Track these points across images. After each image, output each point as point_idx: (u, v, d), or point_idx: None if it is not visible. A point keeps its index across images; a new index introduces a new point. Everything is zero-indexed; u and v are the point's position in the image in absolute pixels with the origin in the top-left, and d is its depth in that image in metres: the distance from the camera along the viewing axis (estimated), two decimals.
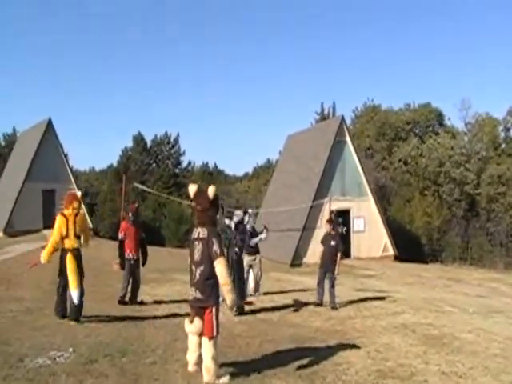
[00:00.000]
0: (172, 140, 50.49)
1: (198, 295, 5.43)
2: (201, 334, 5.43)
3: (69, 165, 34.45)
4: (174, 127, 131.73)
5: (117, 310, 9.67)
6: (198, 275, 5.44)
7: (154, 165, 49.68)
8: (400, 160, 39.75)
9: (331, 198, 25.04)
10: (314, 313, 10.32)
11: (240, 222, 10.66)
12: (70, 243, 8.19)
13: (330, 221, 11.98)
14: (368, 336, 8.17)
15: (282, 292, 13.53)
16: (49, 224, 30.30)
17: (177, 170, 50.36)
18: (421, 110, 44.46)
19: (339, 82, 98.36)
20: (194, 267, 5.49)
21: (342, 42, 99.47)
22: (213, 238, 5.42)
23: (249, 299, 11.07)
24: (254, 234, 12.32)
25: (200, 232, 5.52)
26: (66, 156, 34.47)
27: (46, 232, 28.84)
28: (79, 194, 9.02)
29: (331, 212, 24.02)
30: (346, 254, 26.48)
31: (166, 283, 14.37)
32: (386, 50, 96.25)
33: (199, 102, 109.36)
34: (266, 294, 12.57)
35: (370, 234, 27.44)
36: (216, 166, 57.39)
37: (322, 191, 26.00)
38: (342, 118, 28.72)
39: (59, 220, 8.23)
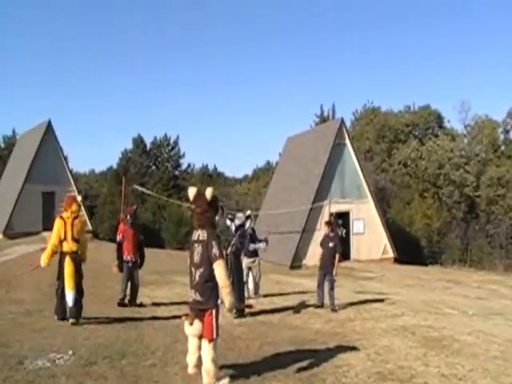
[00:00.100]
0: (172, 142, 50.50)
1: (198, 297, 5.43)
2: (201, 337, 5.43)
3: (68, 167, 34.43)
4: (174, 129, 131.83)
5: (116, 312, 9.66)
6: (197, 277, 5.44)
7: (153, 167, 49.69)
8: (400, 162, 39.79)
9: (331, 200, 25.04)
10: (313, 315, 10.31)
11: (241, 226, 10.67)
12: (68, 246, 8.22)
13: (328, 223, 12.00)
14: (368, 338, 8.17)
15: (281, 294, 13.52)
16: (48, 226, 30.20)
17: (176, 172, 50.35)
18: (420, 113, 44.53)
19: (339, 84, 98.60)
20: (193, 269, 5.50)
21: (341, 44, 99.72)
22: (212, 240, 5.42)
23: (248, 302, 11.07)
24: (254, 236, 12.32)
25: (200, 234, 5.53)
26: (65, 158, 34.44)
27: (45, 234, 28.81)
28: (79, 197, 9.02)
29: (331, 214, 24.04)
30: (346, 256, 26.53)
31: (165, 285, 14.37)
32: (385, 52, 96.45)
33: (199, 104, 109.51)
34: (265, 296, 12.57)
35: (370, 237, 27.44)
36: (216, 168, 57.49)
37: (321, 193, 26.01)
38: (342, 121, 28.75)
39: (57, 223, 8.28)
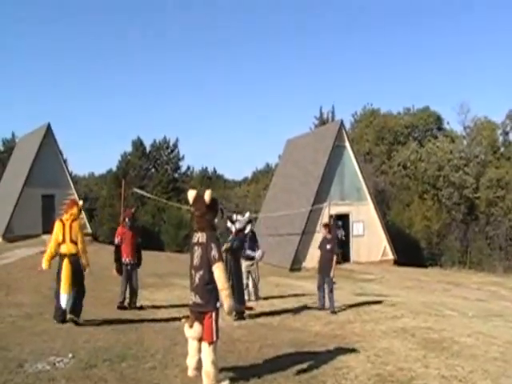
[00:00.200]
0: (171, 145, 50.52)
1: (198, 300, 5.43)
2: (200, 339, 5.43)
3: (68, 170, 34.44)
4: (173, 132, 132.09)
5: (116, 314, 9.67)
6: (197, 280, 5.45)
7: (153, 170, 49.69)
8: (399, 164, 39.81)
9: (330, 202, 25.04)
10: (313, 317, 10.32)
11: (241, 230, 10.70)
12: (66, 248, 8.29)
13: (326, 225, 12.08)
14: (367, 340, 8.17)
15: (281, 297, 13.52)
16: (48, 229, 30.22)
17: (176, 175, 50.35)
18: (420, 114, 44.57)
19: (338, 86, 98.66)
20: (193, 272, 5.50)
21: (341, 45, 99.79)
22: (212, 242, 5.43)
23: (248, 304, 11.08)
24: (254, 238, 12.38)
25: (199, 237, 5.53)
26: (65, 161, 34.48)
27: (45, 237, 28.80)
28: (81, 202, 9.09)
29: (330, 216, 24.06)
30: (346, 258, 26.56)
31: (164, 288, 14.37)
32: (384, 54, 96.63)
33: (198, 106, 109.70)
34: (265, 298, 12.57)
35: (370, 239, 27.44)
36: (215, 171, 57.44)
37: (321, 196, 26.02)
38: (341, 123, 28.76)
39: (57, 225, 8.40)
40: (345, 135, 28.09)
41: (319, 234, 12.36)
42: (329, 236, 11.49)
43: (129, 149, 50.01)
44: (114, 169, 50.39)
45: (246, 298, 11.36)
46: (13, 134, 49.61)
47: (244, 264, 11.61)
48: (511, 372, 6.56)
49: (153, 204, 42.66)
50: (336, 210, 26.01)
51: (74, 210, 8.50)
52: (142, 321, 9.16)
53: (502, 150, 39.99)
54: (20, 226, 30.22)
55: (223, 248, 9.93)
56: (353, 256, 27.05)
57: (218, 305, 5.44)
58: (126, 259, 10.52)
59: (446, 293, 17.02)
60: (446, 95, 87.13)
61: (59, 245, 8.31)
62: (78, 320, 8.46)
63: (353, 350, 7.27)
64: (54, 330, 7.98)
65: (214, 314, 5.41)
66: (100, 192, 48.88)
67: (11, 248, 25.15)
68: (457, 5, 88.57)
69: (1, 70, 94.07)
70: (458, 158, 36.23)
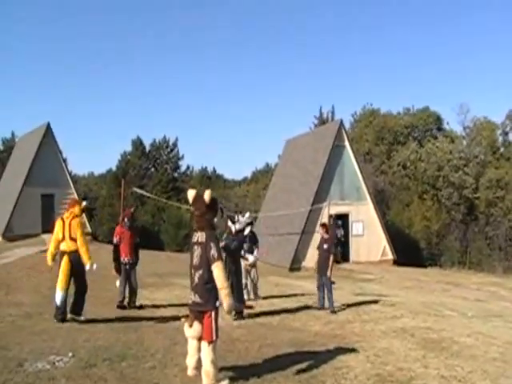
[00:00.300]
0: (171, 144, 50.52)
1: (197, 299, 5.44)
2: (200, 338, 5.43)
3: (68, 169, 34.43)
4: (173, 131, 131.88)
5: (116, 314, 9.67)
6: (196, 279, 5.46)
7: (152, 169, 49.69)
8: (399, 164, 39.82)
9: (330, 202, 25.04)
10: (313, 317, 10.32)
11: (241, 231, 10.72)
12: (66, 245, 8.44)
13: (323, 225, 12.11)
14: (367, 340, 8.18)
15: (281, 296, 13.53)
16: (48, 228, 30.28)
17: (175, 175, 50.36)
18: (419, 115, 44.58)
19: (338, 86, 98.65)
20: (193, 271, 5.51)
21: (341, 46, 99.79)
22: (211, 242, 5.43)
23: (248, 303, 11.09)
24: (254, 239, 12.45)
25: (199, 236, 5.54)
26: (64, 161, 34.46)
27: (45, 236, 28.82)
28: (84, 203, 9.18)
29: (330, 216, 24.06)
30: (345, 258, 26.58)
31: (164, 287, 14.37)
32: (384, 55, 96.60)
33: (198, 106, 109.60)
34: (265, 298, 12.59)
35: (369, 238, 27.45)
36: (215, 171, 57.50)
37: (320, 195, 26.02)
38: (341, 123, 28.76)
39: (57, 223, 8.59)
40: (344, 135, 28.09)
41: (319, 234, 12.37)
42: (326, 236, 11.55)
43: (128, 148, 50.12)
44: (114, 168, 50.44)
45: (246, 297, 11.38)
46: (12, 134, 49.70)
47: (242, 264, 11.64)
48: (510, 372, 6.56)
49: (152, 203, 42.66)
50: (336, 209, 26.01)
51: (76, 209, 8.66)
52: (141, 320, 9.17)
53: (502, 150, 40.01)
54: (20, 225, 30.22)
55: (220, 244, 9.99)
56: (352, 256, 27.06)
57: (217, 304, 5.45)
58: (124, 259, 10.56)
59: (445, 293, 17.02)
60: (446, 95, 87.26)
61: (60, 242, 8.45)
62: (79, 318, 8.51)
63: (352, 350, 7.28)
64: (54, 329, 7.98)
65: (213, 314, 5.41)
66: (100, 191, 48.88)
67: (11, 247, 25.14)
68: (456, 5, 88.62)
69: (1, 70, 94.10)
70: (458, 158, 36.24)
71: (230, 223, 10.84)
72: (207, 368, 5.30)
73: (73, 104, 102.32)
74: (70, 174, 34.65)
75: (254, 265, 12.48)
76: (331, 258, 11.23)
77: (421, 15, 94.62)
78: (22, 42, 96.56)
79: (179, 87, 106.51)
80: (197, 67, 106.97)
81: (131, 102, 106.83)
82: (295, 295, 13.89)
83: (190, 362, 5.60)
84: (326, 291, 11.20)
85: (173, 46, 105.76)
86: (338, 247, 25.92)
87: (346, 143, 27.96)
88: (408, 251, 30.04)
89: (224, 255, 8.31)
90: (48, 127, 32.52)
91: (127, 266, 10.58)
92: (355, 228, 27.42)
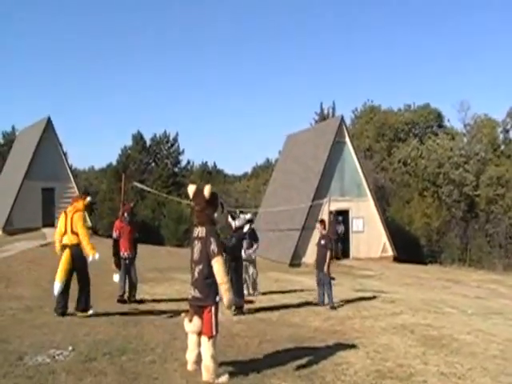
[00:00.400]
0: (171, 139, 50.45)
1: (197, 294, 5.44)
2: (200, 333, 5.44)
3: (68, 163, 34.39)
4: (173, 126, 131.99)
5: (116, 308, 9.69)
6: (196, 274, 5.46)
7: (153, 164, 49.64)
8: (399, 161, 39.75)
9: (330, 198, 25.02)
10: (312, 313, 10.33)
11: (240, 228, 10.73)
12: (68, 239, 8.54)
13: (321, 221, 12.19)
14: (367, 336, 8.19)
15: (281, 292, 13.54)
16: (48, 222, 30.40)
17: (176, 169, 50.29)
18: (420, 111, 44.50)
19: (339, 82, 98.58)
20: (193, 266, 5.52)
21: (342, 42, 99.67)
22: (211, 237, 5.43)
23: (248, 298, 11.11)
24: (253, 236, 12.49)
25: (199, 231, 5.55)
26: (65, 154, 34.41)
27: (45, 230, 28.87)
28: (88, 198, 9.23)
29: (330, 212, 24.05)
30: (345, 254, 26.59)
31: (165, 282, 14.38)
32: (385, 51, 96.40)
33: (199, 101, 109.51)
34: (264, 293, 12.60)
35: (369, 235, 27.44)
36: (215, 166, 57.45)
37: (321, 191, 26.00)
38: (342, 119, 28.70)
39: (61, 217, 8.74)
40: (345, 131, 28.03)
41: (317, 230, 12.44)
42: (324, 232, 11.63)
43: (129, 143, 50.04)
44: (114, 163, 50.40)
45: (246, 292, 11.40)
46: (13, 128, 49.63)
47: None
48: (510, 370, 6.57)
49: (153, 198, 42.64)
50: (336, 205, 25.99)
51: (79, 204, 8.77)
52: (141, 314, 9.19)
53: (503, 147, 39.91)
54: (20, 219, 30.23)
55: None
56: (352, 252, 27.06)
57: (217, 299, 5.45)
58: (124, 253, 10.63)
59: (445, 290, 17.03)
60: (447, 92, 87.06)
61: (62, 236, 8.58)
62: (87, 314, 8.59)
63: (352, 346, 7.29)
64: (54, 322, 7.99)
65: (213, 308, 5.41)
66: (100, 186, 48.86)
67: (11, 241, 25.15)
68: (457, 3, 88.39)
69: (2, 65, 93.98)
70: (458, 155, 36.16)
71: (230, 219, 10.86)
72: (207, 363, 5.30)
73: (73, 99, 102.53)
74: (70, 168, 34.63)
75: (252, 261, 12.49)
76: (328, 253, 11.27)
77: (422, 12, 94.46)
78: (22, 38, 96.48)
79: (180, 83, 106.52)
80: (197, 63, 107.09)
81: (132, 96, 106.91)
82: (295, 291, 13.90)
83: (190, 356, 5.61)
84: (324, 287, 11.23)
85: (173, 42, 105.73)
86: (339, 243, 25.96)
87: (347, 139, 27.91)
88: (408, 248, 30.02)
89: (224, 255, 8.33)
90: (49, 121, 32.49)
91: (127, 261, 10.65)
92: (355, 224, 27.41)
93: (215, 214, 5.67)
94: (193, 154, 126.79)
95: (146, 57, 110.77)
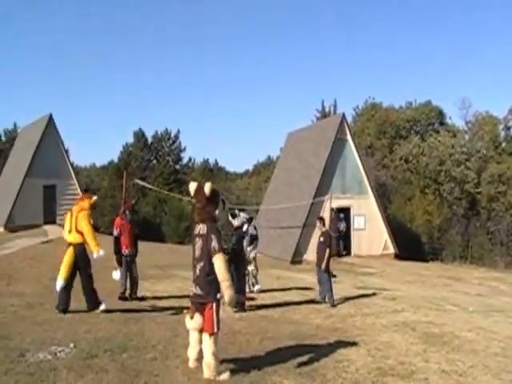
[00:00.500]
0: (173, 136, 50.42)
1: (198, 291, 5.45)
2: (201, 330, 5.44)
3: (70, 160, 34.36)
4: (175, 123, 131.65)
5: (117, 305, 9.68)
6: (198, 271, 5.47)
7: (154, 161, 49.61)
8: (401, 158, 39.70)
9: (332, 195, 25.01)
10: (314, 310, 10.34)
11: (240, 227, 10.73)
12: (73, 237, 8.58)
13: (320, 218, 12.24)
14: (368, 334, 8.19)
15: (282, 289, 13.54)
16: (49, 219, 30.44)
17: (177, 167, 50.26)
18: (421, 109, 44.44)
19: (340, 79, 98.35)
20: (195, 263, 5.52)
21: (343, 39, 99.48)
22: (212, 234, 5.43)
23: (249, 295, 11.13)
24: (255, 236, 12.58)
25: (201, 228, 5.55)
26: (66, 152, 34.37)
27: (46, 227, 28.89)
28: (95, 197, 9.26)
29: (331, 209, 24.03)
30: (347, 251, 26.58)
31: (166, 279, 14.38)
32: (386, 50, 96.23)
33: (200, 99, 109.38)
34: (265, 291, 12.61)
35: (371, 232, 27.42)
36: (217, 163, 57.35)
37: (322, 189, 25.97)
38: (343, 116, 28.64)
39: (67, 215, 8.80)
40: (346, 128, 27.99)
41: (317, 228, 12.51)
42: (323, 229, 11.69)
43: (130, 140, 49.98)
44: (116, 160, 50.33)
45: (247, 290, 11.42)
46: (15, 125, 49.59)
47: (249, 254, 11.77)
48: None
49: (154, 195, 42.63)
50: (337, 203, 25.97)
51: (85, 203, 8.81)
52: (143, 312, 9.19)
53: (504, 145, 39.82)
54: (21, 216, 30.22)
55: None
56: (354, 249, 27.04)
57: (218, 296, 5.45)
58: (125, 250, 10.66)
59: (446, 287, 17.03)
60: (448, 90, 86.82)
61: (68, 234, 8.63)
62: (99, 311, 8.62)
63: (353, 344, 7.29)
64: (56, 319, 7.99)
65: (214, 305, 5.42)
66: (101, 183, 48.83)
67: (12, 238, 25.14)
68: (458, 1, 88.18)
69: (4, 63, 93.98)
70: (460, 152, 36.12)
71: (230, 218, 10.87)
72: (208, 360, 5.31)
73: (75, 96, 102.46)
74: (71, 165, 34.61)
75: (251, 260, 12.54)
76: (328, 250, 11.29)
77: (423, 10, 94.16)
78: (23, 36, 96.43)
79: (181, 80, 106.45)
80: (198, 61, 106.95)
81: (133, 94, 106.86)
82: (296, 288, 13.90)
83: (192, 353, 5.61)
84: (326, 285, 11.24)
85: (175, 40, 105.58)
86: (340, 241, 25.96)
87: (348, 137, 27.87)
88: (409, 245, 30.00)
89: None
90: (50, 118, 32.46)
91: (128, 258, 10.68)
92: (357, 222, 27.39)
93: (216, 211, 5.66)
94: (194, 151, 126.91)
95: (147, 55, 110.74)
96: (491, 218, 33.90)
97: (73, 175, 33.28)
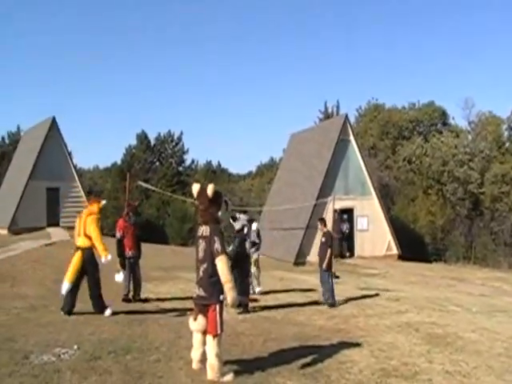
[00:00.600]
0: (175, 138, 50.53)
1: (202, 293, 5.45)
2: (205, 332, 5.44)
3: (73, 163, 34.43)
4: (178, 125, 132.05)
5: (121, 307, 9.69)
6: (201, 273, 5.47)
7: (157, 163, 49.73)
8: (404, 159, 39.67)
9: (335, 196, 24.98)
10: (317, 311, 10.34)
11: (241, 230, 10.73)
12: (81, 241, 8.64)
13: (321, 219, 12.26)
14: (372, 335, 8.18)
15: (285, 290, 13.54)
16: (53, 222, 30.50)
17: (180, 169, 50.38)
18: (424, 109, 44.42)
19: (343, 80, 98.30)
20: (198, 265, 5.53)
21: (345, 41, 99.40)
22: (215, 236, 5.44)
23: (252, 297, 11.13)
24: (258, 238, 12.62)
25: (203, 230, 5.55)
26: (70, 154, 34.42)
27: (50, 230, 28.95)
28: (103, 202, 9.30)
29: (335, 211, 24.02)
30: (351, 252, 26.56)
31: (169, 281, 14.40)
32: (389, 50, 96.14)
33: (203, 101, 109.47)
34: (268, 292, 12.61)
35: (374, 233, 27.40)
36: (220, 165, 57.45)
37: (325, 190, 25.96)
38: (346, 117, 28.63)
39: (77, 219, 8.90)
40: (349, 129, 27.98)
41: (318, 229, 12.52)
42: (324, 229, 11.71)
43: (133, 142, 50.14)
44: (119, 162, 50.48)
45: (251, 292, 11.42)
46: (18, 128, 49.75)
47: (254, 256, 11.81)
48: None
49: (157, 197, 42.72)
50: (340, 204, 25.93)
51: (94, 207, 8.92)
52: (146, 314, 9.20)
53: (507, 145, 39.70)
54: (25, 218, 30.29)
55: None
56: (357, 250, 27.02)
57: (221, 298, 5.46)
58: (128, 252, 10.67)
59: (450, 288, 17.00)
60: (451, 90, 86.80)
61: (77, 237, 8.73)
62: (105, 315, 8.63)
63: (357, 345, 7.29)
64: (60, 321, 8.02)
65: (217, 307, 5.42)
66: (104, 185, 48.94)
67: (16, 240, 25.18)
68: (458, 4, 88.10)
69: (6, 64, 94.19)
70: (463, 153, 36.06)
71: (231, 221, 10.88)
72: (212, 361, 5.31)
73: (78, 98, 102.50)
74: (75, 168, 34.67)
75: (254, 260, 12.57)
76: (329, 251, 11.30)
77: (425, 10, 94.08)
78: (24, 36, 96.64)
79: (181, 81, 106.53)
80: (199, 61, 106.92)
81: (134, 95, 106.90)
82: (299, 290, 13.90)
83: (195, 355, 5.61)
84: (324, 284, 11.27)
85: (175, 41, 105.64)
86: (343, 242, 25.94)
87: (351, 138, 27.85)
88: (413, 246, 29.97)
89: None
90: (53, 121, 32.54)
91: (131, 260, 10.68)
92: (360, 223, 27.37)
93: (219, 213, 5.67)
94: (197, 153, 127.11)
95: (148, 55, 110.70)
96: (495, 219, 33.84)
97: (76, 178, 33.35)
